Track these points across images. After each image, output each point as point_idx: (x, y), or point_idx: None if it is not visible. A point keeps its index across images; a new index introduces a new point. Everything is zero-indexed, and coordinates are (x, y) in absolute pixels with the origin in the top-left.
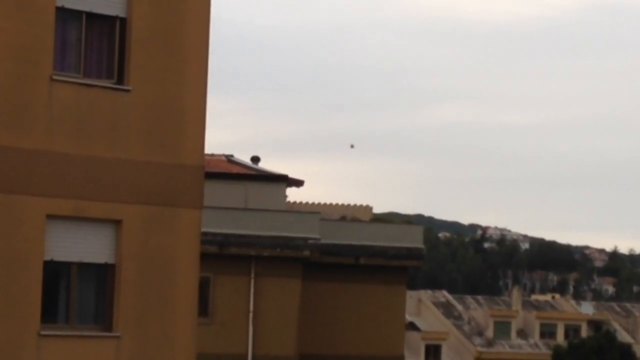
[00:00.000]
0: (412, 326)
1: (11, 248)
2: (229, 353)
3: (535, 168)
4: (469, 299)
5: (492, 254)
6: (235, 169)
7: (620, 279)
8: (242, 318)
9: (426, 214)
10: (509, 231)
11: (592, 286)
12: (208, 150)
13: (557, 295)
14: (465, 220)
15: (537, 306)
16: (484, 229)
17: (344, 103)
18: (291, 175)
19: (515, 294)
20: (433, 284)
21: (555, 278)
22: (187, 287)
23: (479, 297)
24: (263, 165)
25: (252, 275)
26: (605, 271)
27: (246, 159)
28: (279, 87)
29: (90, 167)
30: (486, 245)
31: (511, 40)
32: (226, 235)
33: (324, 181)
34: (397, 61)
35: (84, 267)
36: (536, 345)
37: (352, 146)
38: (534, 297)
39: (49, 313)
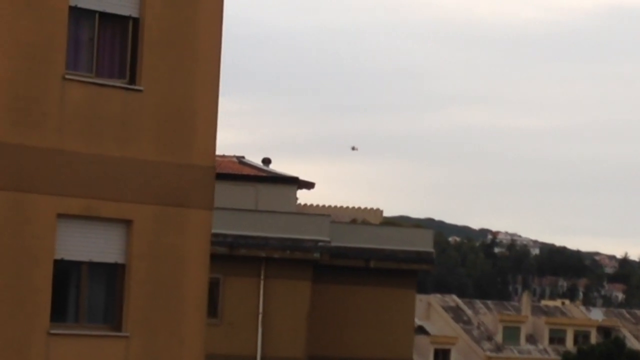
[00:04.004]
0: (422, 330)
1: (21, 247)
2: (238, 354)
3: (547, 173)
4: (478, 303)
5: (502, 259)
6: (246, 171)
7: (630, 286)
8: (252, 319)
9: (436, 217)
10: (520, 236)
11: (602, 292)
12: (219, 151)
13: (567, 301)
14: (476, 224)
15: (547, 312)
16: (494, 234)
17: (356, 105)
18: (302, 177)
19: (525, 299)
20: (443, 288)
21: (565, 284)
22: (197, 287)
23: (489, 302)
24: (274, 167)
25: (262, 277)
26: (615, 277)
27: (257, 161)
28: (292, 88)
29: (101, 167)
30: (496, 250)
31: (526, 44)
32: (236, 237)
33: (335, 184)
34: (410, 64)
35: (94, 267)
36: (545, 351)
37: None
38: (543, 302)
39: (59, 312)
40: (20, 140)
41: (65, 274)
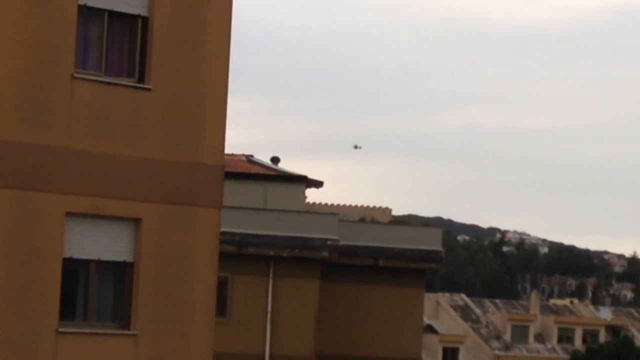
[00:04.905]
0: (430, 329)
1: (30, 245)
2: (246, 353)
3: (556, 172)
4: (487, 302)
5: (511, 257)
6: (255, 169)
7: (639, 285)
8: (260, 318)
9: (445, 216)
10: (528, 235)
11: (611, 291)
12: (228, 150)
13: (576, 300)
14: (485, 223)
15: (556, 311)
16: (503, 233)
17: (364, 104)
18: (311, 176)
19: (534, 298)
20: (451, 287)
21: (573, 283)
22: (205, 286)
23: (497, 301)
24: (283, 165)
25: (271, 276)
26: (624, 276)
27: (266, 160)
28: (300, 88)
29: (110, 165)
30: (505, 249)
31: (534, 44)
32: (245, 235)
33: (344, 182)
34: (418, 63)
35: (103, 265)
36: (554, 349)
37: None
38: (552, 301)
39: (67, 310)
40: (29, 139)
41: (74, 272)
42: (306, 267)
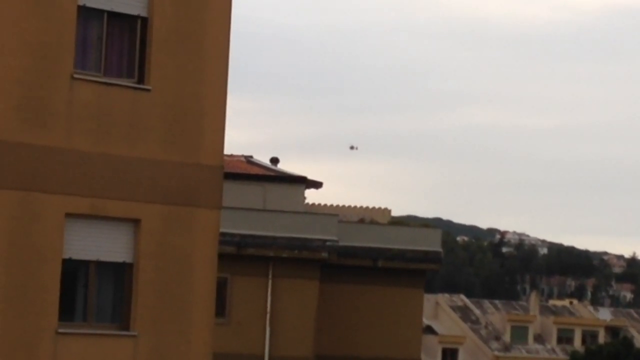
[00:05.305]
0: (430, 330)
1: (30, 246)
2: (246, 353)
3: (555, 173)
4: (486, 303)
5: (510, 258)
6: (254, 170)
7: (638, 285)
8: (259, 319)
9: (444, 217)
10: (528, 236)
11: (610, 292)
12: (227, 150)
13: (575, 301)
14: (484, 224)
15: (555, 311)
16: (503, 233)
17: (364, 105)
18: (310, 176)
19: (533, 299)
20: (451, 288)
21: (573, 283)
22: (205, 287)
23: (497, 302)
24: (282, 166)
25: (270, 276)
26: (623, 277)
27: (265, 160)
28: (300, 88)
29: (110, 166)
30: (504, 249)
31: (534, 44)
32: (244, 236)
33: (343, 183)
34: (418, 63)
35: (102, 266)
36: (553, 350)
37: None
38: (551, 302)
39: (67, 311)
40: (28, 140)
41: (73, 273)
42: (305, 268)
